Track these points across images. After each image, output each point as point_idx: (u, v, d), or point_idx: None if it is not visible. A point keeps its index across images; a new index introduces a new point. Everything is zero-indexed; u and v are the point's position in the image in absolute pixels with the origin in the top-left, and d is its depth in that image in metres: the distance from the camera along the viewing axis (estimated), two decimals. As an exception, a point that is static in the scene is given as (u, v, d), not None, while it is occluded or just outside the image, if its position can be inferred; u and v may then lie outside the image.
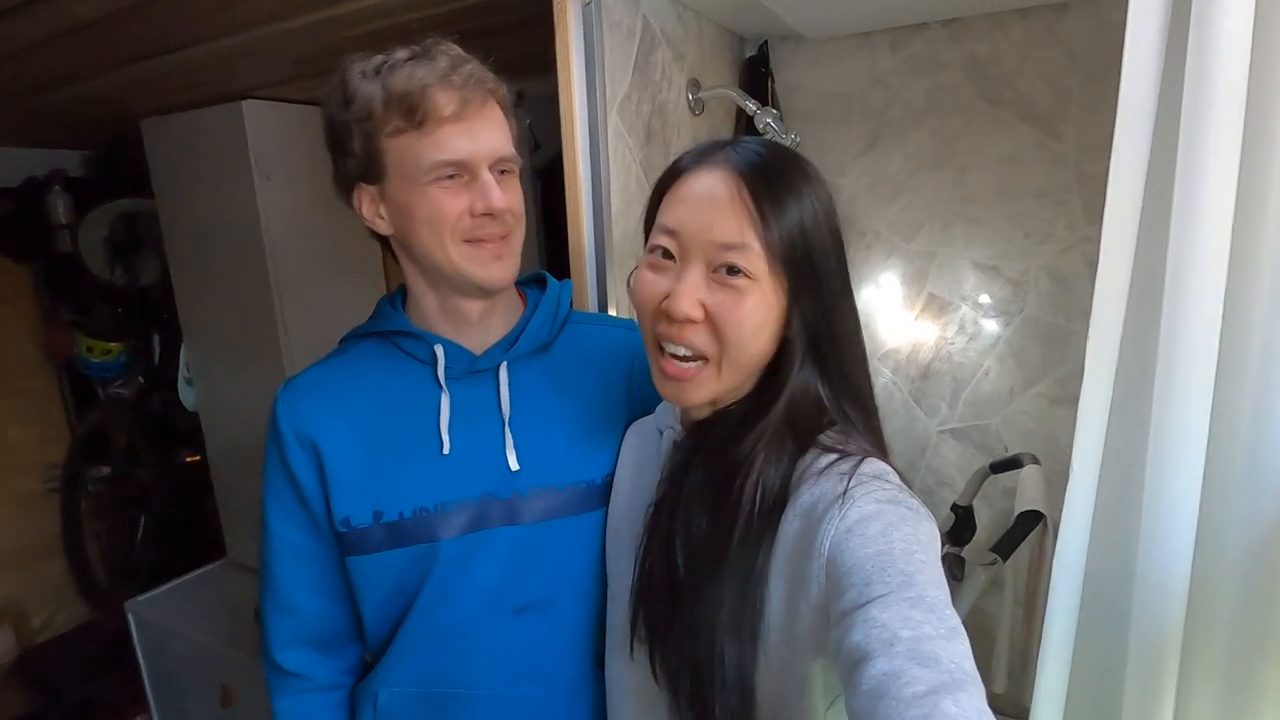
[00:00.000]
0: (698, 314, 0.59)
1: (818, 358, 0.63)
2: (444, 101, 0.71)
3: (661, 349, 0.63)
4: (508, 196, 0.75)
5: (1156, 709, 0.78)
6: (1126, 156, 0.75)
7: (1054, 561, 0.82)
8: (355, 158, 0.75)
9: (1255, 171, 0.70)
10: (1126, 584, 0.79)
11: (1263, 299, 0.71)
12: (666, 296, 0.60)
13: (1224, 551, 0.75)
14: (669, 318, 0.60)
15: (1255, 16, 0.67)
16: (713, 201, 0.59)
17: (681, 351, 0.61)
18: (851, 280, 0.65)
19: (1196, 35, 0.68)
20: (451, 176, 0.73)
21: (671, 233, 0.61)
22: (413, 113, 0.71)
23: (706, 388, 0.62)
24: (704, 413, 0.67)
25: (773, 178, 0.59)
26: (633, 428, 0.83)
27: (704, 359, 0.61)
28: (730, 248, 0.58)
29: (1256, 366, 0.72)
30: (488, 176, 0.73)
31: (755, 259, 0.57)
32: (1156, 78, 0.73)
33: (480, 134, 0.73)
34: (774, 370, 0.63)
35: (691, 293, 0.59)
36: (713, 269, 0.59)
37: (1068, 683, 0.85)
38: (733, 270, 0.58)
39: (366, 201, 0.77)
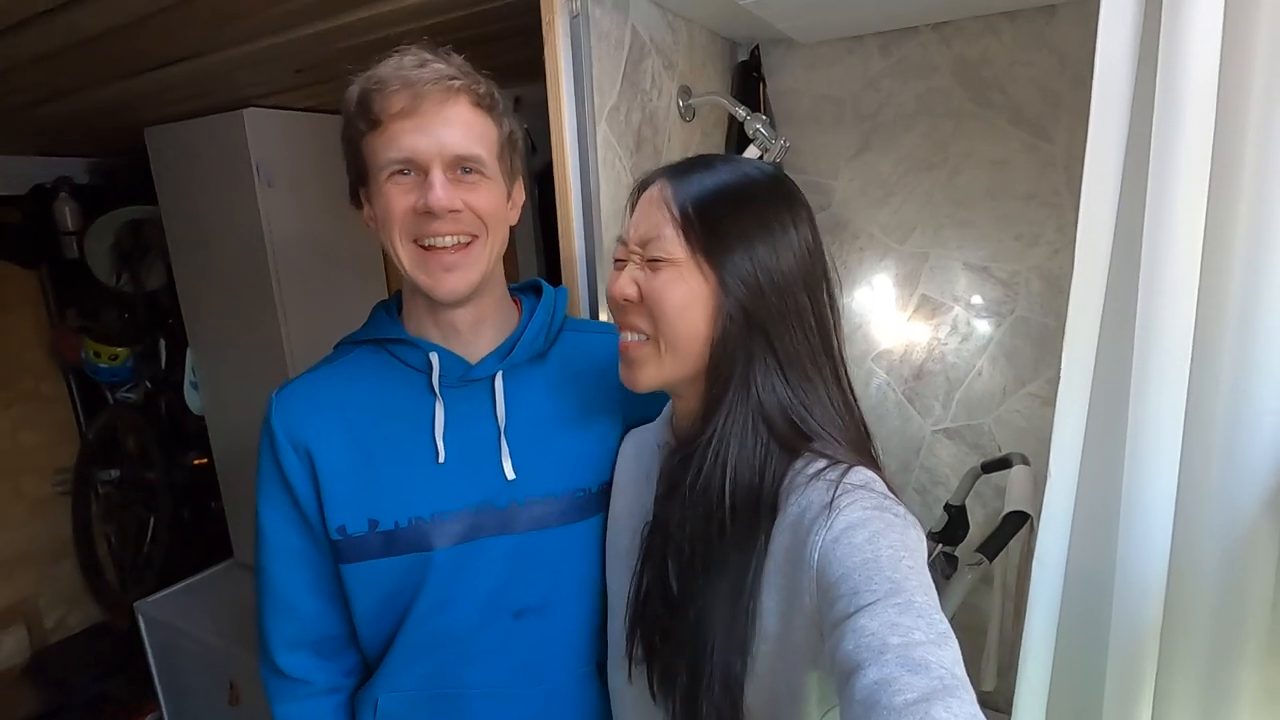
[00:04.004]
0: (631, 291, 0.65)
1: (766, 344, 0.62)
2: (397, 98, 0.70)
3: None
4: (464, 196, 0.73)
5: (1136, 709, 0.79)
6: (1100, 161, 0.76)
7: (1034, 562, 0.83)
8: (351, 164, 0.77)
9: (1226, 173, 0.71)
10: (1106, 585, 0.80)
11: (1234, 300, 0.72)
12: None
13: (1200, 554, 0.76)
14: (618, 304, 0.67)
15: (1224, 20, 0.68)
16: (645, 206, 0.66)
17: (629, 336, 0.67)
18: (829, 279, 0.66)
19: (1167, 39, 0.70)
20: (403, 173, 0.72)
21: (622, 241, 0.68)
22: (369, 112, 0.72)
23: (651, 365, 0.65)
24: (687, 426, 0.68)
25: (693, 170, 0.65)
26: (630, 437, 0.83)
27: (648, 337, 0.65)
28: (649, 240, 0.64)
29: (1229, 368, 0.73)
30: (437, 174, 0.71)
31: (671, 244, 0.62)
32: (1130, 81, 0.74)
33: (434, 130, 0.71)
34: (719, 369, 0.64)
35: (629, 275, 0.65)
36: (646, 260, 0.64)
37: (1049, 682, 0.87)
38: (656, 258, 0.63)
39: (366, 207, 0.79)
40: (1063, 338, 0.77)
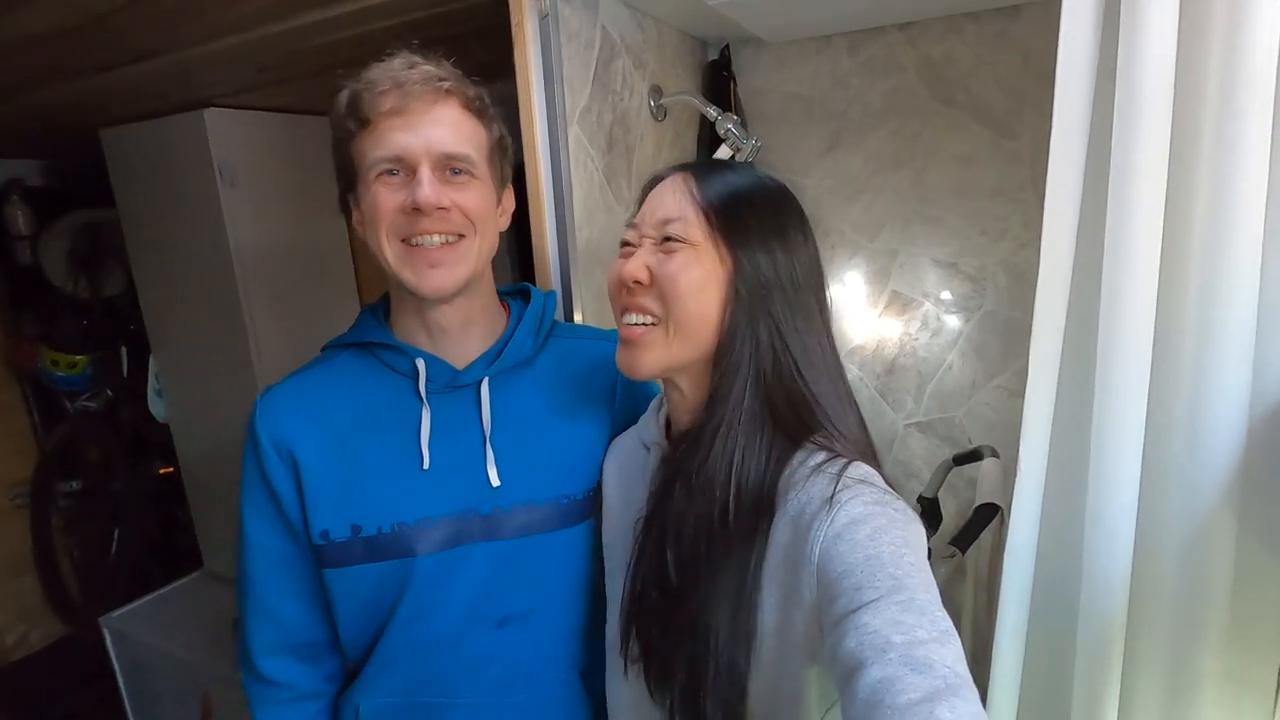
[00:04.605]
0: (643, 275, 0.65)
1: (778, 332, 0.63)
2: (386, 97, 0.71)
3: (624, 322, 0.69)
4: (452, 195, 0.73)
5: (1104, 695, 0.81)
6: (1063, 158, 0.78)
7: (1006, 554, 0.85)
8: (340, 169, 0.77)
9: (1184, 168, 0.73)
10: (1074, 574, 0.82)
11: (1194, 294, 0.74)
12: None
13: (1163, 544, 0.78)
14: (626, 286, 0.67)
15: (1180, 19, 0.70)
16: (664, 193, 0.67)
17: (635, 319, 0.66)
18: (828, 290, 0.69)
19: (1126, 38, 0.71)
20: (392, 172, 0.73)
21: (633, 226, 0.68)
22: (358, 112, 0.72)
23: (656, 349, 0.65)
24: (685, 422, 0.69)
25: (715, 168, 0.67)
26: (613, 445, 0.83)
27: (655, 320, 0.65)
28: (669, 221, 0.65)
29: (1190, 360, 0.75)
30: (425, 172, 0.72)
31: (691, 228, 0.64)
32: (1091, 79, 0.76)
33: (422, 129, 0.72)
34: (729, 355, 0.65)
35: (640, 258, 0.66)
36: (659, 243, 0.65)
37: (1021, 670, 0.89)
38: (672, 239, 0.64)
39: (355, 212, 0.78)
40: (1029, 331, 0.80)
